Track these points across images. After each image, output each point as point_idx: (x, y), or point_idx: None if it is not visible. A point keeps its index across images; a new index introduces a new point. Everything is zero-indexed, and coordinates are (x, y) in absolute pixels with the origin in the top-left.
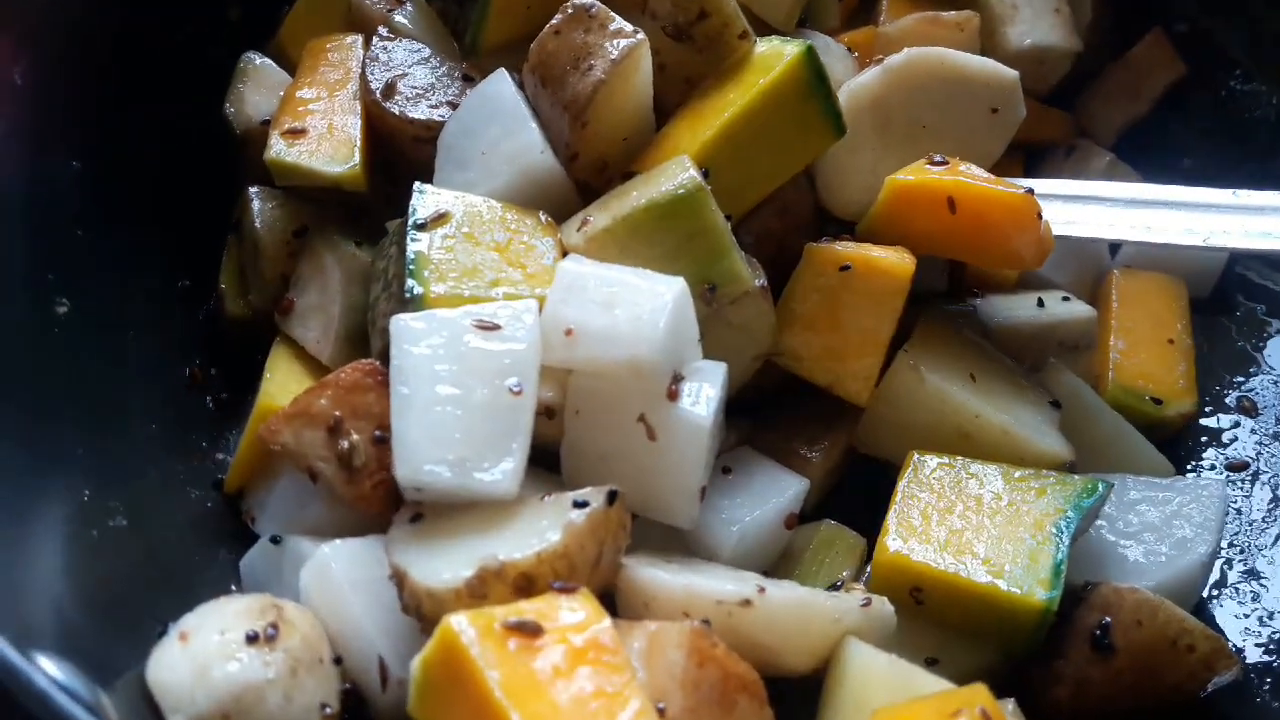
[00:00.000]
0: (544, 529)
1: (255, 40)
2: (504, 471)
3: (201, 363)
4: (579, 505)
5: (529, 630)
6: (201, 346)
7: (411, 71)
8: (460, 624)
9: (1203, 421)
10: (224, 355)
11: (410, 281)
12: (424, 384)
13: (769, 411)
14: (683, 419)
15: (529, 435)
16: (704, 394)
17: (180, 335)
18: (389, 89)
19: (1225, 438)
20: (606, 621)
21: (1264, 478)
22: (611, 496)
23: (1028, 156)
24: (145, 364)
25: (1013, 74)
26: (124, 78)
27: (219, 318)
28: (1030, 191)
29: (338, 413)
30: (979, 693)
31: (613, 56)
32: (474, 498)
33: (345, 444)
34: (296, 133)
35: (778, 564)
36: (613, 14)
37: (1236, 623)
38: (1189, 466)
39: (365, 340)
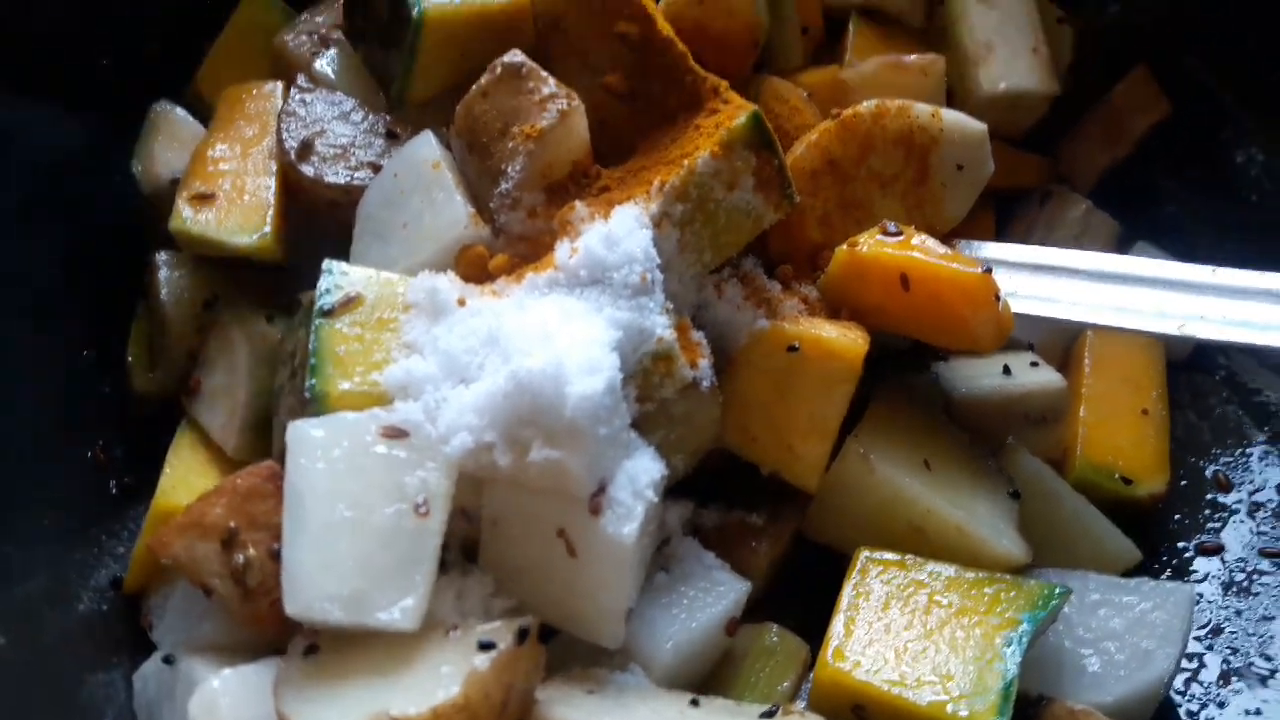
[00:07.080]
0: (444, 677)
1: (172, 82)
2: (404, 609)
3: (105, 443)
4: (485, 647)
5: None
6: (106, 425)
7: (330, 127)
8: None
9: (1175, 497)
10: (130, 434)
11: (311, 380)
12: (320, 505)
13: (714, 490)
14: (605, 538)
15: (435, 561)
16: (629, 509)
17: (83, 412)
18: (305, 148)
19: (1199, 516)
20: None
21: (1232, 561)
22: (522, 634)
23: (1000, 203)
24: (42, 446)
25: (980, 127)
26: (29, 124)
27: (126, 393)
28: (988, 270)
29: (233, 524)
30: None
31: (543, 125)
32: (371, 632)
33: (240, 559)
34: (204, 198)
35: (717, 668)
36: (544, 74)
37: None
38: (1160, 548)
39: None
